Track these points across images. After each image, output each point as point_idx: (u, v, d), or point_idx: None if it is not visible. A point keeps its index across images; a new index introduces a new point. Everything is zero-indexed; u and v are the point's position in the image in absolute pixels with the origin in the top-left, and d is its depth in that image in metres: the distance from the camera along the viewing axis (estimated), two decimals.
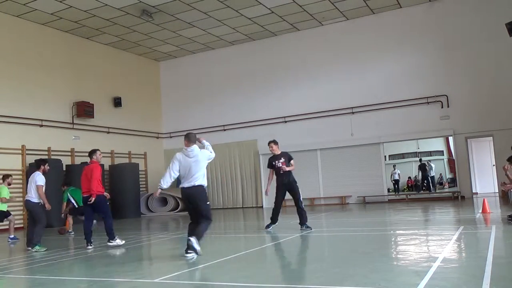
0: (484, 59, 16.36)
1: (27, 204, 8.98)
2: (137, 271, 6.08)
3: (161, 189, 6.90)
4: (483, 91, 16.30)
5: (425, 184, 21.96)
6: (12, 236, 10.91)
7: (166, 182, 6.76)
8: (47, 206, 8.89)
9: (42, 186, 8.85)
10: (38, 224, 8.75)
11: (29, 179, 9.13)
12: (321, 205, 18.35)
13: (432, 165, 22.19)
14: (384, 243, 7.51)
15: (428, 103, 17.09)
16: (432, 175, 21.99)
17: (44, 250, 8.37)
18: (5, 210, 10.66)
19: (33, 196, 8.86)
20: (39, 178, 8.89)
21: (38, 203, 8.86)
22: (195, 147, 6.99)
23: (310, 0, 16.19)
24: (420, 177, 22.39)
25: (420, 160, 22.43)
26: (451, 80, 16.77)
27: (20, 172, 15.37)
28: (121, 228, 13.23)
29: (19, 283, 6.08)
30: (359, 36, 18.19)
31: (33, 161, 15.40)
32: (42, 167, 9.14)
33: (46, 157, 16.09)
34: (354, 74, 18.23)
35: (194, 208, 6.75)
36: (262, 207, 19.47)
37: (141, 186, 19.49)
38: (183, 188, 6.74)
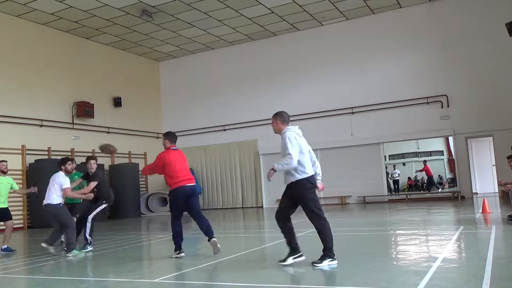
0: (484, 59, 16.36)
1: (48, 209, 7.74)
2: (137, 271, 6.07)
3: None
4: (483, 91, 16.30)
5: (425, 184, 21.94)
6: (5, 246, 8.78)
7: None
8: (89, 196, 8.14)
9: (68, 188, 7.81)
10: (66, 228, 7.70)
11: (50, 180, 7.89)
12: (321, 205, 18.31)
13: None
14: (384, 243, 7.51)
15: (428, 103, 17.09)
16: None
17: (87, 251, 7.85)
18: (5, 206, 8.97)
19: (52, 199, 7.70)
20: (63, 180, 7.77)
21: (59, 204, 7.73)
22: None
23: (310, 0, 16.18)
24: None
25: (424, 161, 22.46)
26: (451, 80, 16.77)
27: (20, 172, 15.36)
28: (121, 228, 13.25)
29: (19, 283, 6.07)
30: (359, 36, 18.19)
31: (33, 161, 15.45)
32: (63, 167, 7.99)
33: (46, 157, 16.10)
34: (354, 74, 18.23)
35: None
36: (262, 207, 19.47)
37: (141, 186, 19.49)
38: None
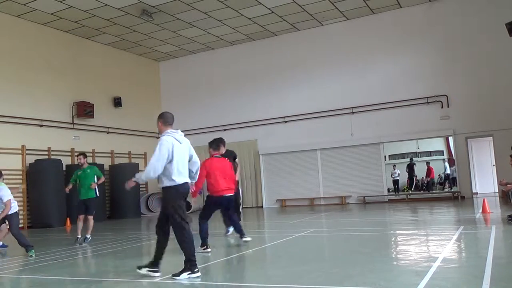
0: (484, 59, 16.36)
1: None
2: (137, 271, 6.07)
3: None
4: (483, 91, 16.30)
5: (408, 185, 21.92)
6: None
7: None
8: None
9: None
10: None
11: None
12: (321, 205, 18.35)
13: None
14: (384, 243, 7.51)
15: (428, 103, 17.09)
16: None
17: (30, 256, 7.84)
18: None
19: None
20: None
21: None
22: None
23: (310, 0, 16.18)
24: (407, 177, 22.35)
25: (428, 162, 22.46)
26: (451, 80, 16.77)
27: (20, 172, 15.36)
28: (121, 228, 13.24)
29: (19, 283, 6.08)
30: (359, 36, 18.19)
31: (33, 161, 15.45)
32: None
33: (46, 157, 16.11)
34: (354, 74, 18.23)
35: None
36: (262, 207, 19.47)
37: (141, 186, 19.47)
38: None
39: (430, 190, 21.39)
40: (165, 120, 5.52)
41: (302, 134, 18.87)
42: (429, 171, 22.29)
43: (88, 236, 9.40)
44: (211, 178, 7.24)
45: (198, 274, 5.20)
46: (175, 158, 5.32)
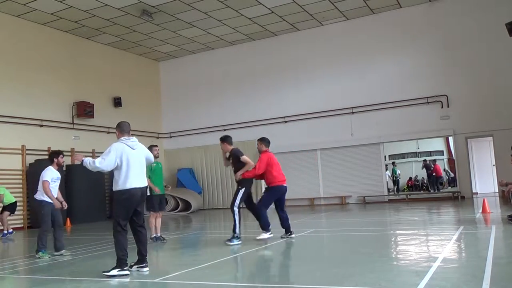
0: (484, 59, 16.36)
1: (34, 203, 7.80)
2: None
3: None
4: (483, 91, 16.30)
5: (425, 183, 21.95)
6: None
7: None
8: (56, 204, 7.74)
9: (48, 181, 7.69)
10: (40, 226, 7.79)
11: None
12: (321, 205, 18.35)
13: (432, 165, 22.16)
14: (384, 243, 7.51)
15: (428, 103, 17.09)
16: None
17: (49, 257, 7.48)
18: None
19: (37, 194, 7.86)
20: (45, 173, 7.79)
21: (41, 201, 7.74)
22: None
23: (310, 0, 16.18)
24: (426, 176, 22.36)
25: (425, 160, 22.46)
26: (451, 80, 16.77)
27: (20, 172, 15.37)
28: None
29: (19, 283, 6.08)
30: (359, 36, 18.18)
31: (33, 161, 15.45)
32: (55, 160, 7.99)
33: (46, 157, 16.08)
34: (354, 74, 18.23)
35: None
36: None
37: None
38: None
39: (438, 189, 21.37)
40: (122, 129, 6.07)
41: (302, 134, 18.86)
42: (435, 170, 22.28)
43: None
44: (273, 170, 8.13)
45: (127, 272, 5.56)
46: (124, 164, 5.70)
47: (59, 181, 8.07)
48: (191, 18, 17.02)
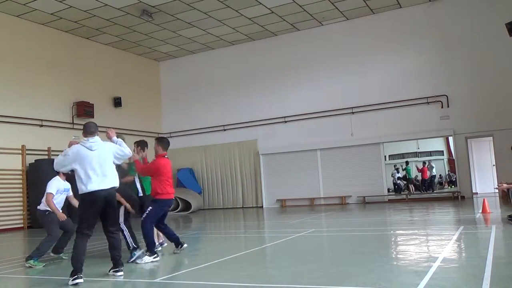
0: (484, 59, 16.36)
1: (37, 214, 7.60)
2: (137, 271, 6.07)
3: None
4: (483, 91, 16.29)
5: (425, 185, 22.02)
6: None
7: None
8: (60, 217, 7.24)
9: (52, 194, 7.22)
10: (47, 236, 7.26)
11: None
12: (321, 205, 18.35)
13: (433, 165, 22.26)
14: (384, 243, 7.51)
15: (428, 103, 17.08)
16: (433, 174, 22.07)
17: (42, 266, 6.86)
18: None
19: (40, 204, 7.48)
20: (49, 184, 7.32)
21: (45, 211, 7.36)
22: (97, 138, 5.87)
23: (310, 0, 16.18)
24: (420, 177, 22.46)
25: (424, 162, 22.55)
26: (451, 80, 16.77)
27: (20, 172, 15.36)
28: None
29: (19, 283, 6.08)
30: (359, 36, 18.18)
31: (33, 161, 15.44)
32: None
33: (46, 157, 16.09)
34: (354, 74, 18.23)
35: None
36: (262, 207, 19.47)
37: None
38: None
39: (431, 189, 21.44)
40: (84, 130, 5.82)
41: (302, 134, 18.86)
42: (422, 172, 22.40)
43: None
44: (163, 179, 6.86)
45: (81, 280, 5.31)
46: (79, 168, 5.52)
47: (69, 192, 7.58)
48: (191, 18, 17.01)
